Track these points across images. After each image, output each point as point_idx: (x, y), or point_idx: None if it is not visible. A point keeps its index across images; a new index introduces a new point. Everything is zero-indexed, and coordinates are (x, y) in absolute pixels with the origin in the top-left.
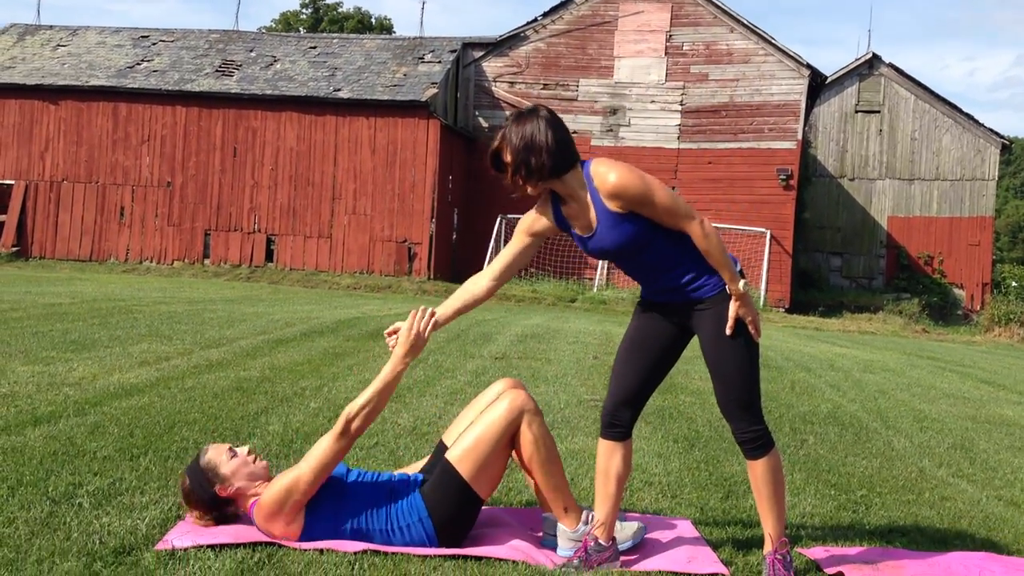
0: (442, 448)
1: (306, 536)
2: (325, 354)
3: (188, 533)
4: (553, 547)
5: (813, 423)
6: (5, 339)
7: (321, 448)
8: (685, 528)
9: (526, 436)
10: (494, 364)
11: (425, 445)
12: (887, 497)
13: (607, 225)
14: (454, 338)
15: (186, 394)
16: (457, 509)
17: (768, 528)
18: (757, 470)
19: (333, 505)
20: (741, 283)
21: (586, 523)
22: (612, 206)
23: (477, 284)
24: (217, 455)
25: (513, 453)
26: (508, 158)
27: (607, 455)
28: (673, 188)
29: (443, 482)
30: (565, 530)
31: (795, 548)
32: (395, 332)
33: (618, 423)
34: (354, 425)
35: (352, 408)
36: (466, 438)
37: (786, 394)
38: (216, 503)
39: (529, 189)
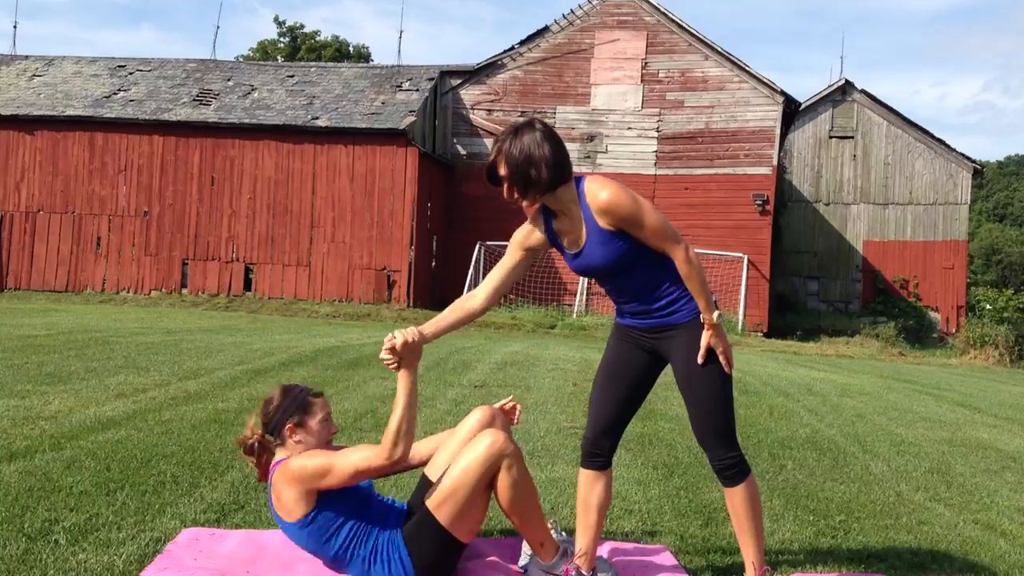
0: (425, 483)
1: (303, 523)
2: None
3: (167, 569)
4: None
5: (791, 448)
6: None
7: (364, 456)
8: (664, 557)
9: (504, 480)
10: (474, 392)
11: (405, 476)
12: (865, 522)
13: (596, 241)
14: (433, 366)
15: (163, 426)
16: (437, 554)
17: (749, 555)
18: (735, 498)
19: (343, 510)
20: (715, 314)
21: (563, 556)
22: (602, 223)
23: (472, 299)
24: (321, 408)
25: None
26: (503, 171)
27: (588, 485)
28: None
29: (422, 527)
30: (539, 562)
31: (775, 575)
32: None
33: (598, 452)
34: (397, 452)
35: (388, 438)
36: (444, 484)
37: (764, 419)
38: (275, 428)
39: (524, 203)
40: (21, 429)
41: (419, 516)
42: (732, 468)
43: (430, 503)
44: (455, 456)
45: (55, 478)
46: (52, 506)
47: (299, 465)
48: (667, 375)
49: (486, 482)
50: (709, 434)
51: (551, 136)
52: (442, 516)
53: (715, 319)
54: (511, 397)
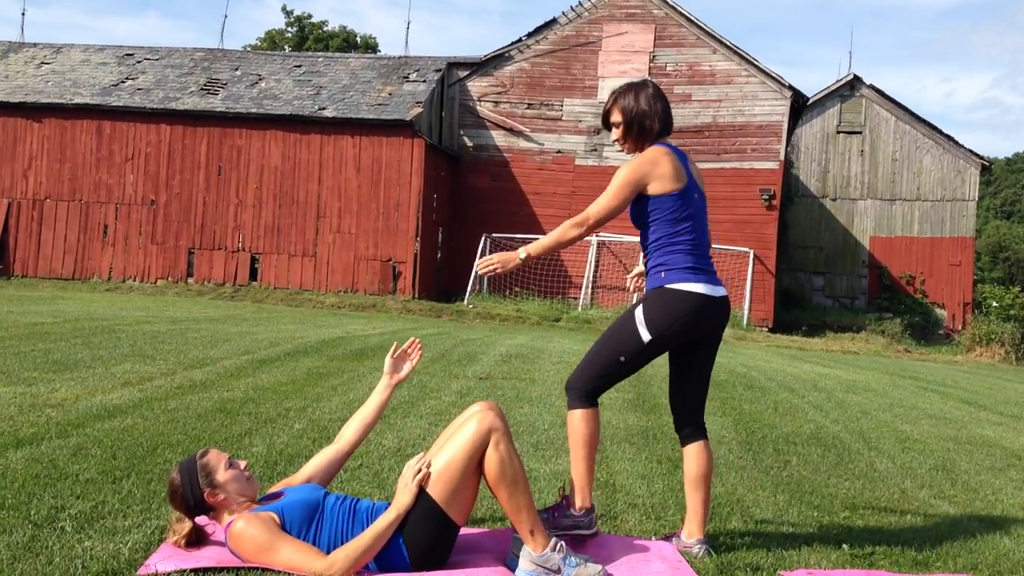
0: None
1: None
2: (309, 374)
3: (171, 557)
4: (515, 567)
5: (796, 444)
6: None
7: (303, 560)
8: (667, 551)
9: (491, 456)
10: (479, 384)
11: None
12: (869, 519)
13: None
14: (439, 358)
15: (169, 415)
16: (431, 534)
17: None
18: (569, 419)
19: (309, 530)
20: (523, 252)
21: (553, 550)
22: None
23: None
24: (217, 460)
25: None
26: (619, 118)
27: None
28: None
29: (416, 507)
30: (529, 551)
31: (778, 571)
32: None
33: (679, 431)
34: (336, 573)
35: (338, 558)
36: (436, 462)
37: (769, 414)
38: (199, 506)
39: (628, 147)
40: (28, 416)
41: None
42: (569, 392)
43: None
44: (452, 426)
45: (61, 466)
46: (58, 493)
47: (247, 537)
48: (661, 365)
49: (478, 458)
50: (579, 365)
51: (661, 95)
52: (436, 493)
53: (521, 254)
54: (414, 339)
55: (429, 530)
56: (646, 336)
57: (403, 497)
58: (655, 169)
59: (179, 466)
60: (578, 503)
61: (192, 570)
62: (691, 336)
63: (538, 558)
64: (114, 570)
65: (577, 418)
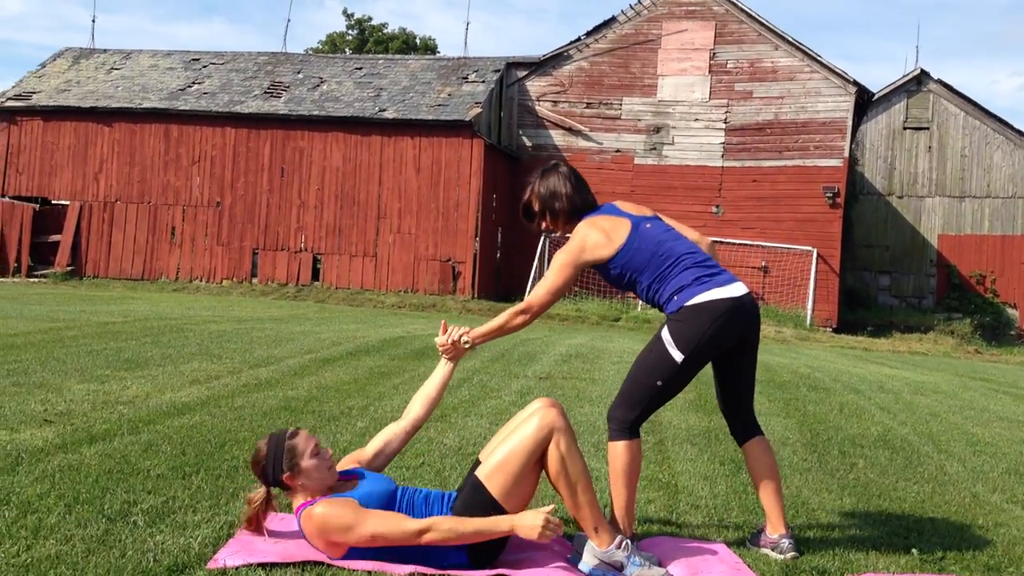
0: (476, 465)
1: (348, 554)
2: (371, 373)
3: (239, 552)
4: (578, 564)
5: (863, 446)
6: (61, 357)
7: (388, 527)
8: (723, 552)
9: (553, 454)
10: (539, 384)
11: (471, 465)
12: (939, 523)
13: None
14: (498, 358)
15: (235, 413)
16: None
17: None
18: (609, 452)
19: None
20: (465, 338)
21: (619, 547)
22: None
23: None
24: (304, 445)
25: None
26: (538, 206)
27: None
28: (717, 207)
29: (472, 499)
30: (594, 547)
31: (845, 574)
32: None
33: (735, 434)
34: (428, 537)
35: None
36: (496, 455)
37: (835, 416)
38: (276, 483)
39: (559, 230)
40: (101, 413)
41: (469, 488)
42: (610, 423)
43: (481, 474)
44: (515, 421)
45: (133, 461)
46: (131, 488)
47: (325, 520)
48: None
49: (538, 455)
50: (617, 396)
51: (572, 176)
52: (493, 487)
53: (465, 344)
54: (463, 329)
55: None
56: (678, 356)
57: (528, 521)
58: (586, 245)
59: (268, 438)
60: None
61: (259, 564)
62: (725, 343)
63: (603, 554)
64: (184, 564)
65: (619, 450)
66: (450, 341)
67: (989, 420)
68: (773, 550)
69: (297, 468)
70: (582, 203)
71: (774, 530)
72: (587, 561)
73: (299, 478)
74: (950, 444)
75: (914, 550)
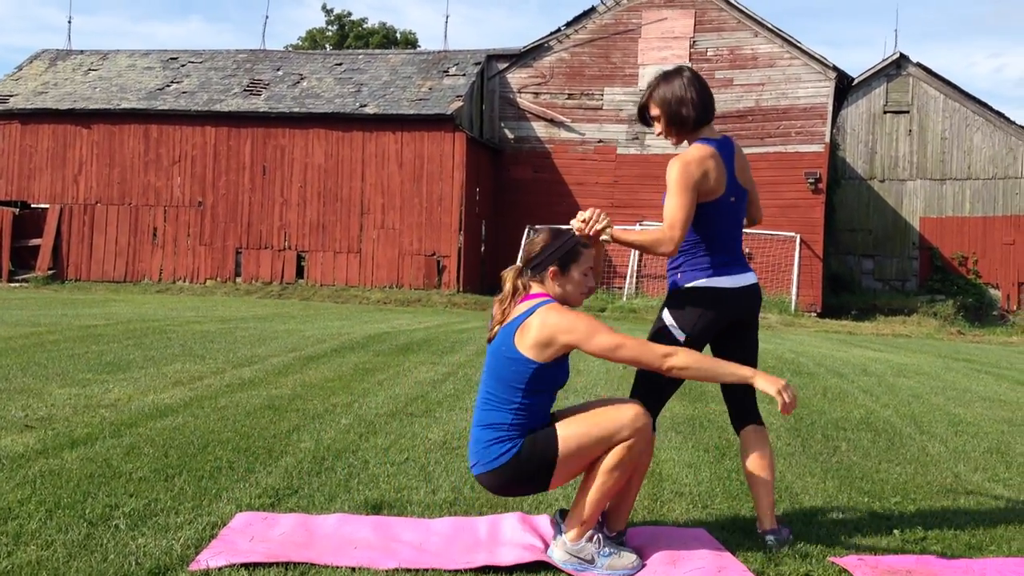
0: (569, 411)
1: (524, 362)
2: (356, 370)
3: (222, 553)
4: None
5: (846, 429)
6: (42, 362)
7: (642, 346)
8: (703, 538)
9: (618, 452)
10: None
11: (456, 459)
12: (921, 503)
13: None
14: (483, 351)
15: (219, 413)
16: (527, 475)
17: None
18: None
19: (546, 381)
20: (607, 234)
21: (589, 540)
22: None
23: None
24: (586, 259)
25: None
26: (657, 111)
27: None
28: None
29: (541, 444)
30: (565, 541)
31: (828, 557)
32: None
33: (733, 422)
34: (671, 362)
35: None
36: (581, 422)
37: (818, 400)
38: (535, 269)
39: (673, 140)
40: (82, 417)
41: (545, 434)
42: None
43: (560, 430)
44: (606, 405)
45: (115, 464)
46: (112, 492)
47: (575, 314)
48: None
49: (608, 445)
50: (632, 392)
51: (697, 81)
52: (563, 447)
53: (605, 237)
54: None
55: (531, 469)
56: (680, 336)
57: (770, 377)
58: (702, 171)
59: (557, 231)
60: (614, 527)
61: (242, 564)
62: (721, 326)
63: (573, 547)
64: (166, 566)
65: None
66: (590, 230)
67: (971, 400)
68: (763, 548)
69: (568, 270)
70: (703, 113)
71: (760, 525)
72: (557, 557)
73: (560, 279)
74: (932, 425)
75: (896, 531)
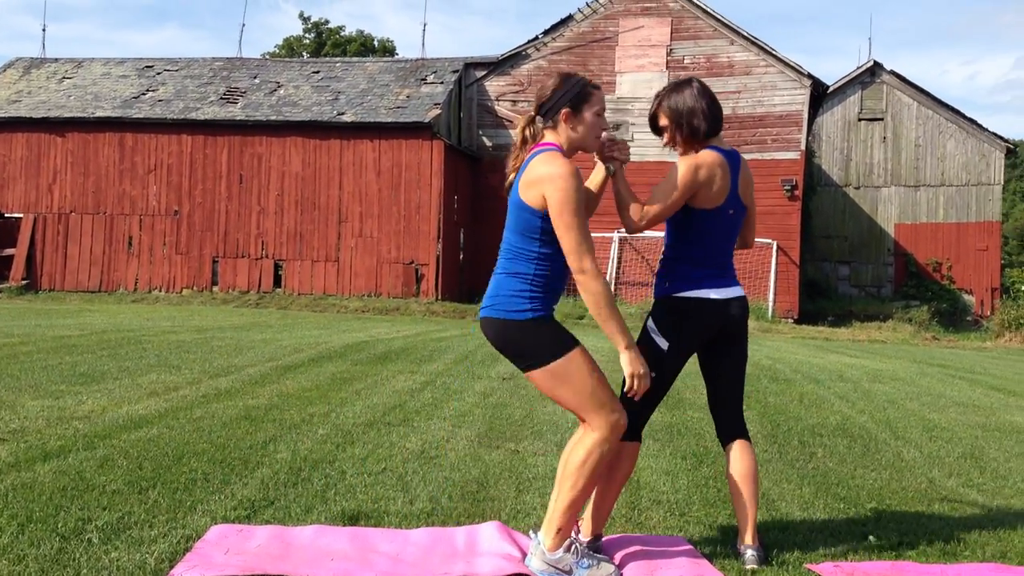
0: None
1: (533, 213)
2: (333, 379)
3: (197, 566)
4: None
5: (822, 435)
6: (15, 373)
7: (573, 252)
8: (681, 545)
9: (588, 444)
10: (502, 385)
11: (434, 468)
12: (897, 509)
13: None
14: (461, 360)
15: (195, 424)
16: (527, 347)
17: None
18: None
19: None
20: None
21: (567, 550)
22: None
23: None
24: (596, 101)
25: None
26: (666, 120)
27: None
28: None
29: (559, 337)
30: (543, 551)
31: (804, 564)
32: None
33: (719, 434)
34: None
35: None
36: (593, 374)
37: (795, 407)
38: (548, 112)
39: (680, 150)
40: (55, 429)
41: (574, 338)
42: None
43: (579, 354)
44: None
45: (88, 477)
46: (85, 505)
47: (561, 164)
48: (692, 363)
49: (583, 407)
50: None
51: (706, 92)
52: (567, 359)
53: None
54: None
55: (535, 341)
56: (663, 344)
57: (627, 362)
58: (708, 176)
59: (566, 74)
60: (592, 531)
61: None
62: (706, 337)
63: (550, 557)
64: None
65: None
66: (609, 151)
67: (945, 406)
68: (738, 559)
69: (580, 111)
70: (713, 125)
71: (740, 540)
72: (535, 567)
73: (573, 122)
74: (907, 431)
75: (871, 537)
